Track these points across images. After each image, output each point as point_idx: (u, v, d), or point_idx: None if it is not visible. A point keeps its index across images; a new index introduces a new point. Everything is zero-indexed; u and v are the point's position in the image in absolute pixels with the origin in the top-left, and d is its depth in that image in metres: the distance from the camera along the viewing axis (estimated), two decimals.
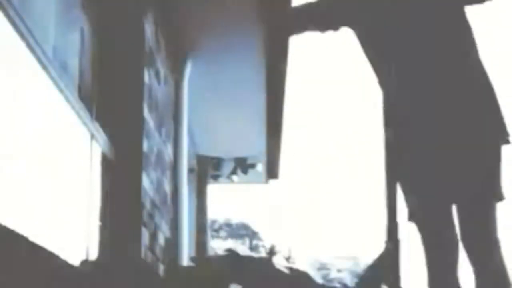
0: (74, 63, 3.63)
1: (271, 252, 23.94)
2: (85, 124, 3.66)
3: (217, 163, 9.43)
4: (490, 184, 2.79)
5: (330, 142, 54.10)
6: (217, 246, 22.38)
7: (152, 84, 4.74)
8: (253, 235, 25.68)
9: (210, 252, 11.65)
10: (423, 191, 2.84)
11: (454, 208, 2.85)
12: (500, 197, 2.79)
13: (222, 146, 8.96)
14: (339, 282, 25.45)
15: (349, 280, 25.64)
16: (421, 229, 2.86)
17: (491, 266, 2.73)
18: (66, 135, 3.50)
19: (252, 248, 24.91)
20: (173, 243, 5.67)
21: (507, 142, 2.83)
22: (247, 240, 25.33)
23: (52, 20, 3.31)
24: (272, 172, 9.95)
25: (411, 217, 2.88)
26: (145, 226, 4.37)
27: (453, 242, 2.82)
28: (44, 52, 2.99)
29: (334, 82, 53.16)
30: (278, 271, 6.09)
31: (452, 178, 2.82)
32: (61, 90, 3.25)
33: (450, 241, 2.82)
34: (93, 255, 3.81)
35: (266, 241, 25.40)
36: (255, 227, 25.95)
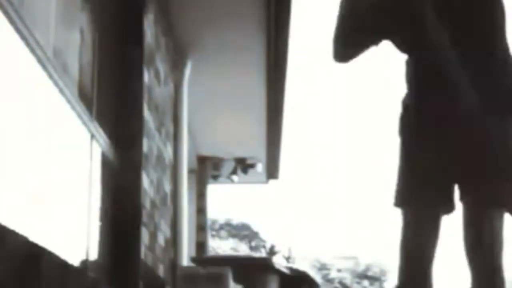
0: (74, 63, 3.63)
1: (271, 252, 23.94)
2: (85, 124, 3.66)
3: (217, 163, 9.44)
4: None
5: (330, 141, 54.09)
6: (217, 246, 22.40)
7: (152, 84, 4.74)
8: (253, 235, 25.70)
9: (210, 252, 11.66)
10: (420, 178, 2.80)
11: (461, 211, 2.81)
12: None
13: (222, 146, 8.97)
14: (339, 282, 25.49)
15: (349, 280, 25.67)
16: (405, 216, 2.82)
17: (490, 272, 2.71)
18: (66, 135, 3.50)
19: (252, 248, 24.92)
20: (173, 243, 5.68)
21: None
22: (247, 240, 25.34)
23: (52, 20, 3.31)
24: (272, 172, 9.96)
25: (397, 202, 2.84)
26: (145, 226, 4.38)
27: (433, 238, 2.79)
28: (44, 52, 2.99)
29: (335, 81, 53.14)
30: (278, 271, 6.10)
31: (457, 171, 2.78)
32: (61, 90, 3.25)
33: (431, 235, 2.79)
34: (93, 255, 3.81)
35: (266, 241, 25.42)
36: (255, 227, 25.97)
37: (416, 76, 2.89)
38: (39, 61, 2.96)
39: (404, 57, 2.98)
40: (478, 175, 2.73)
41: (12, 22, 2.65)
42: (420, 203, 2.78)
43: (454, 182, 2.78)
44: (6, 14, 2.60)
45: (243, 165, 9.43)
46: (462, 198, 2.77)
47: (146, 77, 4.52)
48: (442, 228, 2.79)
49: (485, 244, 2.71)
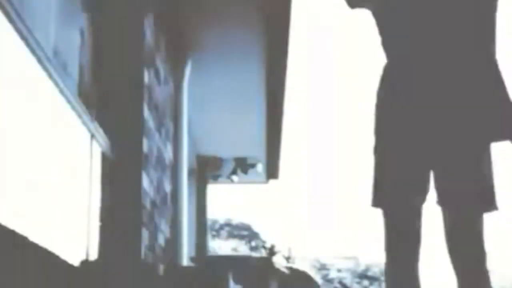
0: (74, 63, 3.63)
1: (271, 252, 23.95)
2: (85, 124, 3.66)
3: (217, 163, 9.44)
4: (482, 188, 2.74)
5: (330, 141, 54.11)
6: (218, 246, 22.39)
7: (152, 84, 4.74)
8: (253, 235, 25.68)
9: (210, 252, 11.66)
10: (401, 176, 2.79)
11: (442, 212, 2.81)
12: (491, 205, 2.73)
13: (222, 146, 8.97)
14: (339, 282, 25.48)
15: (349, 280, 25.65)
16: (387, 215, 2.82)
17: (475, 274, 2.71)
18: (66, 135, 3.50)
19: (252, 248, 24.90)
20: (173, 243, 5.68)
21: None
22: (247, 240, 25.33)
23: (52, 20, 3.31)
24: (272, 172, 9.96)
25: (377, 202, 2.84)
26: (145, 226, 4.38)
27: (417, 236, 2.79)
28: (44, 52, 2.99)
29: (335, 81, 53.14)
30: (278, 271, 6.10)
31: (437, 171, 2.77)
32: (61, 90, 3.25)
33: (414, 233, 2.79)
34: (93, 255, 3.81)
35: (266, 241, 25.40)
36: (255, 227, 25.95)
37: (389, 71, 2.87)
38: (39, 61, 2.96)
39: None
40: (453, 177, 2.72)
41: (12, 22, 2.65)
42: (394, 203, 2.78)
43: (428, 180, 2.77)
44: (6, 14, 2.60)
45: (243, 165, 9.44)
46: (439, 200, 2.76)
47: (146, 77, 4.52)
48: (426, 228, 2.80)
49: (467, 244, 2.71)
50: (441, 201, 2.75)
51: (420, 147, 2.75)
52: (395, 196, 2.78)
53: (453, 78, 2.75)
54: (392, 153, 2.79)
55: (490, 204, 2.72)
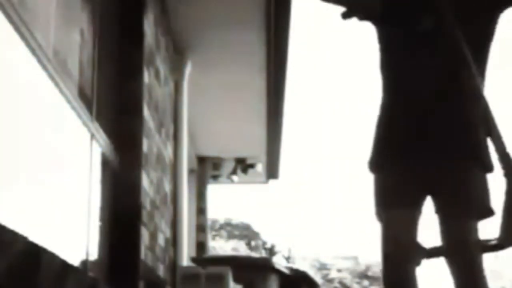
0: (74, 63, 3.63)
1: (271, 252, 23.94)
2: (85, 124, 3.66)
3: (217, 163, 9.44)
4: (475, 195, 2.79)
5: (330, 142, 54.13)
6: (218, 246, 22.40)
7: (152, 84, 4.74)
8: (253, 235, 25.68)
9: (210, 252, 11.66)
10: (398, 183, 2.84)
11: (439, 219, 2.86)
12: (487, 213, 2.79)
13: (222, 146, 8.97)
14: (339, 282, 25.48)
15: (349, 280, 25.66)
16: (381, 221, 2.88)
17: (472, 279, 2.74)
18: (66, 135, 3.50)
19: (252, 248, 24.90)
20: (173, 243, 5.68)
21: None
22: (247, 240, 25.33)
23: (52, 20, 3.31)
24: (272, 172, 9.96)
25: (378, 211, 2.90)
26: (145, 226, 4.38)
27: (411, 242, 2.83)
28: (44, 52, 2.99)
29: (335, 80, 53.15)
30: (278, 271, 6.11)
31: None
32: (61, 90, 3.25)
33: (408, 236, 2.83)
34: (93, 255, 3.81)
35: (266, 241, 25.41)
36: (255, 227, 25.96)
37: (389, 83, 2.92)
38: (39, 61, 2.96)
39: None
40: (449, 188, 2.77)
41: (12, 22, 2.65)
42: (393, 213, 2.82)
43: (426, 193, 2.82)
44: (6, 14, 2.60)
45: (243, 165, 9.44)
46: (436, 210, 2.81)
47: (146, 77, 4.52)
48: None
49: (464, 249, 2.74)
50: (438, 210, 2.81)
51: (417, 163, 2.80)
52: (392, 207, 2.83)
53: (448, 101, 2.80)
54: (390, 169, 2.85)
55: (486, 211, 2.77)
